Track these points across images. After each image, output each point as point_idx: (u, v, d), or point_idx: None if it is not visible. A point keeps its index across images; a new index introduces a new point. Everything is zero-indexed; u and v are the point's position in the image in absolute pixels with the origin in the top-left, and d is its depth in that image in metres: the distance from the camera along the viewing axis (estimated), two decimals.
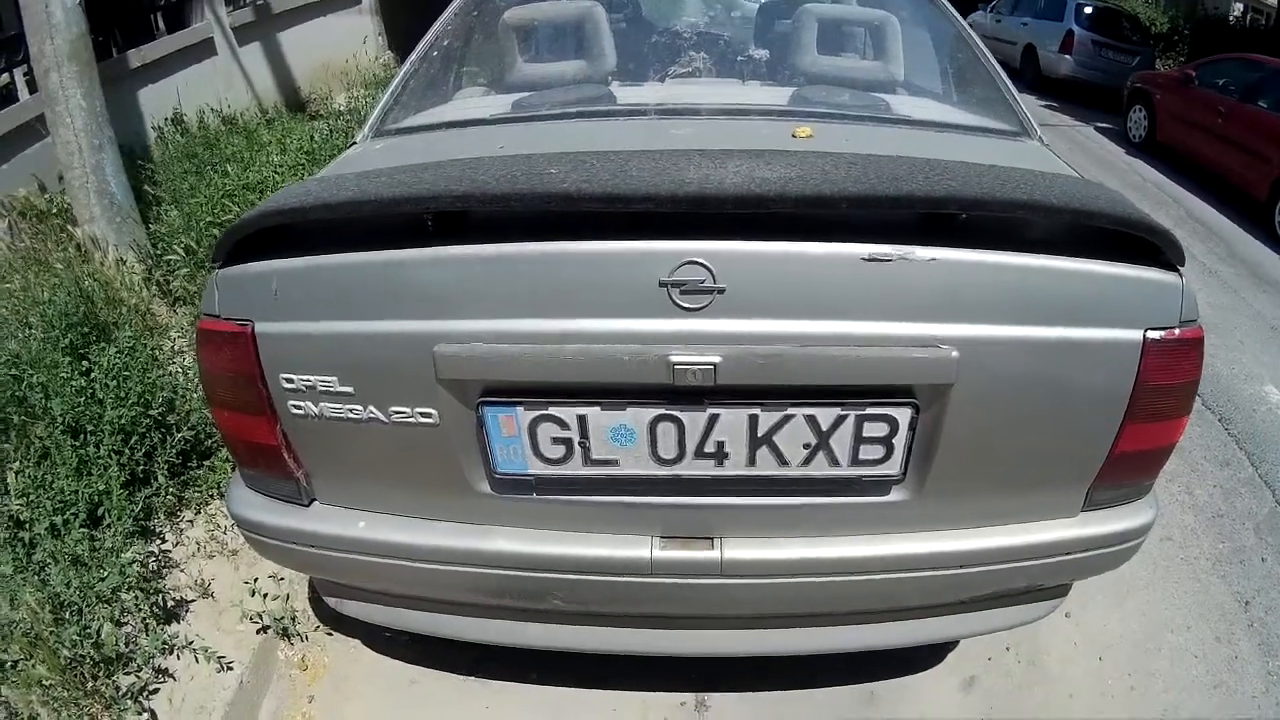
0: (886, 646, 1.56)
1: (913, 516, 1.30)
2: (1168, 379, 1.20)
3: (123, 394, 2.25)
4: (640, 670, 1.82)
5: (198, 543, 2.16)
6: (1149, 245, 1.16)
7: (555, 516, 1.32)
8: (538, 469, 1.26)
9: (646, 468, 1.25)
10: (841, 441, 1.21)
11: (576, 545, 1.31)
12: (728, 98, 1.87)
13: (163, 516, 2.20)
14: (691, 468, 1.25)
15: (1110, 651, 2.11)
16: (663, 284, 1.11)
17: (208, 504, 2.27)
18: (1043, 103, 9.81)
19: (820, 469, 1.24)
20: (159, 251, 3.38)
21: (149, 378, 2.35)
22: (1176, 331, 1.18)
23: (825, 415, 1.20)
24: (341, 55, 6.67)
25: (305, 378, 1.21)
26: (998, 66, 2.01)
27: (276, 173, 4.02)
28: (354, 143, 1.85)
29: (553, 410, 1.20)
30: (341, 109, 5.89)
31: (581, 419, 1.21)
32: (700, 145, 1.25)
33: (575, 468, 1.25)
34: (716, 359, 1.13)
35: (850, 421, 1.20)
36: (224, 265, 1.23)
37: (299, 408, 1.24)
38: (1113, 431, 1.24)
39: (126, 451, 2.15)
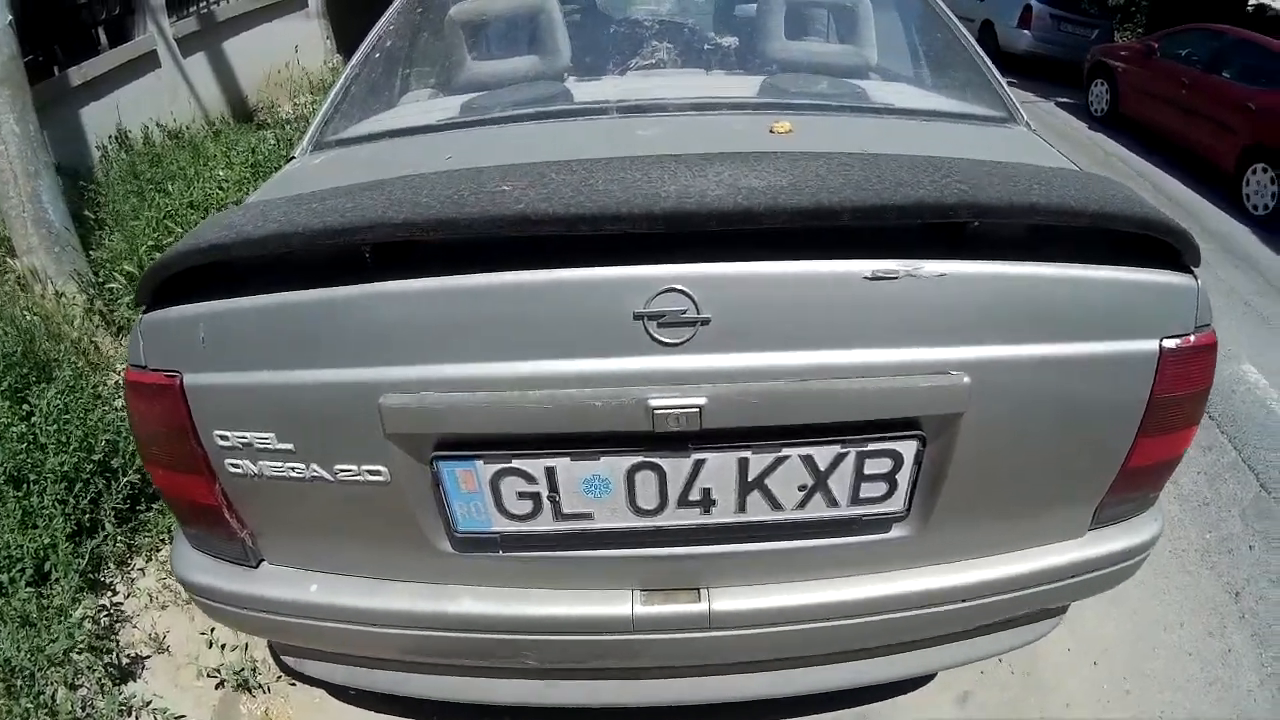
0: (888, 680, 1.49)
1: (915, 552, 1.22)
2: (1182, 388, 1.12)
3: (64, 438, 2.13)
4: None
5: (150, 594, 2.04)
6: (1161, 246, 1.07)
7: (524, 574, 1.22)
8: (503, 526, 1.15)
9: (624, 520, 1.14)
10: (841, 481, 1.11)
11: (549, 604, 1.21)
12: (694, 91, 1.75)
13: (113, 566, 2.09)
14: (674, 518, 1.14)
15: (1105, 655, 2.07)
16: (638, 316, 1.00)
17: (158, 550, 2.16)
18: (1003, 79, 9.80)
19: (817, 511, 1.14)
20: (101, 279, 3.23)
21: (91, 419, 2.22)
22: (1192, 338, 1.10)
23: (823, 454, 1.09)
24: (289, 61, 6.48)
25: (241, 434, 1.10)
26: (978, 47, 1.91)
27: (221, 188, 3.87)
28: (292, 157, 1.72)
29: (517, 463, 1.09)
30: (289, 117, 5.73)
31: (550, 471, 1.10)
32: (669, 147, 1.14)
33: (545, 523, 1.15)
34: (702, 401, 1.02)
35: (850, 459, 1.09)
36: (149, 309, 1.10)
37: (237, 466, 1.13)
38: (1125, 447, 1.16)
39: (71, 500, 2.03)
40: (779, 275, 1.01)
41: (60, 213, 3.18)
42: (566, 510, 1.13)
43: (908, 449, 1.09)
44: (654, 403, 1.02)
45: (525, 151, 1.28)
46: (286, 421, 1.09)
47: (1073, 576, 1.28)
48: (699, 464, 1.09)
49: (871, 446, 1.09)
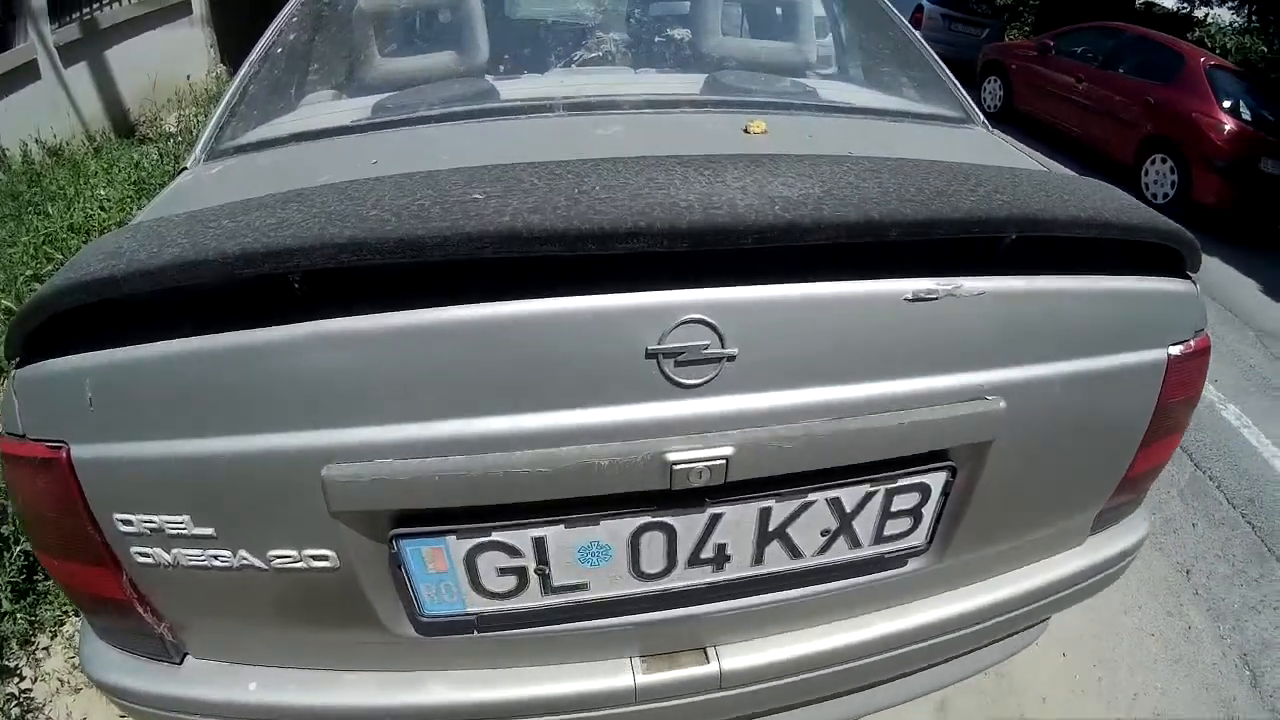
0: (891, 706, 1.42)
1: (929, 582, 1.14)
2: (1184, 394, 1.10)
3: None
4: None
5: (59, 678, 1.80)
6: (1160, 252, 1.04)
7: (505, 653, 1.05)
8: (480, 606, 0.97)
9: (625, 587, 0.99)
10: (866, 521, 1.01)
11: (537, 684, 1.04)
12: (635, 88, 1.57)
13: (16, 646, 1.83)
14: (682, 579, 0.99)
15: (1072, 647, 2.08)
16: (651, 354, 0.83)
17: (63, 624, 1.91)
18: None
19: (838, 554, 1.03)
20: None
21: None
22: (1192, 343, 1.07)
23: (851, 495, 0.97)
24: (172, 72, 6.07)
25: (147, 518, 0.89)
26: (927, 46, 1.85)
27: (103, 209, 3.57)
28: (184, 169, 1.49)
29: (498, 536, 0.91)
30: (173, 130, 5.40)
31: (539, 542, 0.93)
32: (639, 149, 0.99)
33: (531, 600, 0.98)
34: (728, 450, 0.87)
35: (879, 497, 0.99)
36: (23, 363, 0.87)
37: (146, 555, 0.93)
38: (1130, 455, 1.12)
39: None
40: (815, 299, 0.86)
41: None
42: (557, 583, 0.97)
43: (936, 480, 1.00)
44: (673, 457, 0.86)
45: (467, 155, 1.10)
46: (203, 502, 0.89)
47: (1076, 584, 1.24)
48: (715, 519, 0.94)
49: (901, 482, 0.98)
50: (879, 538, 1.03)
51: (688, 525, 0.95)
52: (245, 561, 0.92)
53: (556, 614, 1.01)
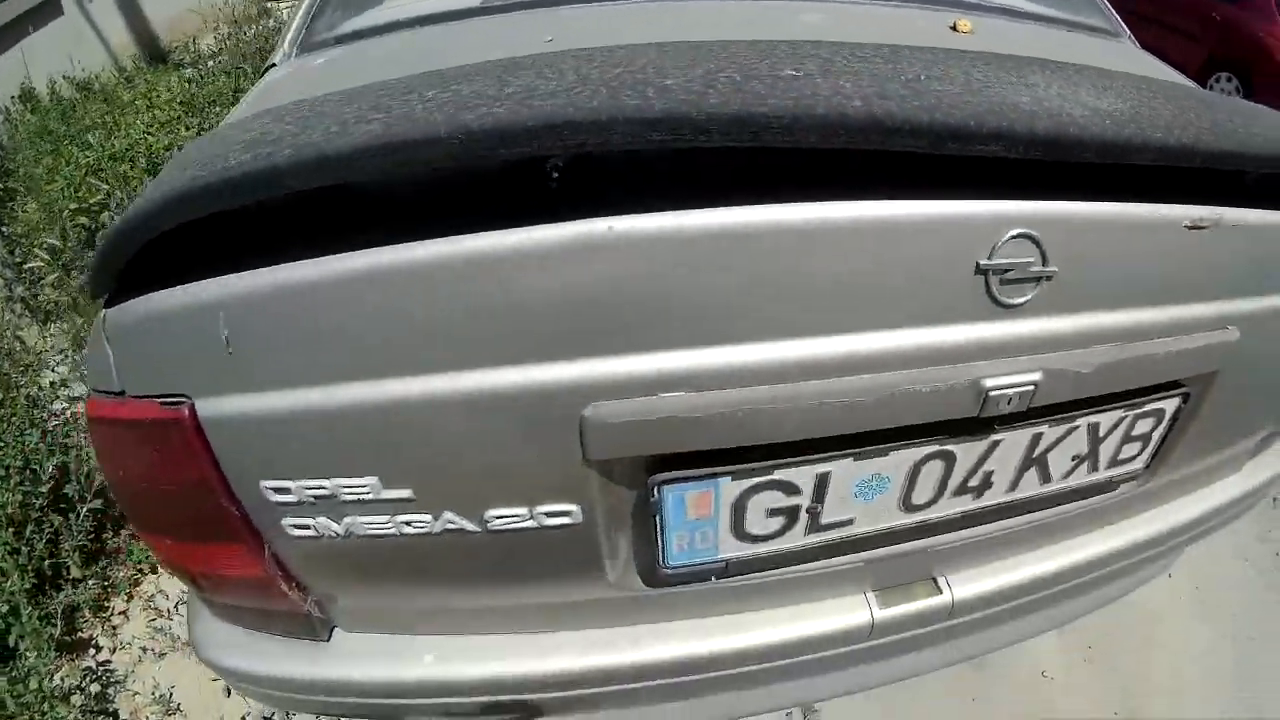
0: (1057, 627, 1.37)
1: (1129, 506, 1.12)
2: None
3: (2, 471, 1.74)
4: None
5: (142, 645, 1.71)
6: None
7: (737, 600, 0.96)
8: (734, 551, 0.87)
9: (888, 520, 0.92)
10: (1110, 445, 0.97)
11: (771, 628, 0.96)
12: None
13: (89, 614, 1.74)
14: (943, 509, 0.94)
15: (1176, 568, 1.97)
16: (982, 269, 0.74)
17: (138, 583, 1.82)
18: None
19: (1077, 479, 0.99)
20: (19, 259, 2.75)
21: (28, 441, 1.83)
22: None
23: (1108, 420, 0.93)
24: None
25: (313, 484, 0.73)
26: None
27: (149, 133, 3.32)
28: (271, 65, 1.29)
29: (781, 474, 0.82)
30: (212, 51, 5.15)
31: (822, 479, 0.83)
32: (846, 38, 0.83)
33: (792, 540, 0.89)
34: (1037, 376, 0.81)
35: (1125, 423, 0.95)
36: (116, 300, 0.69)
37: (305, 527, 0.77)
38: None
39: (24, 549, 1.66)
40: (1114, 219, 0.79)
41: None
42: (825, 521, 0.88)
43: (1170, 406, 0.96)
44: (990, 383, 0.79)
45: (650, 36, 0.89)
46: (401, 459, 0.72)
47: (1235, 510, 1.20)
48: (993, 446, 0.89)
49: (1147, 407, 0.94)
50: (1114, 461, 0.99)
51: (967, 453, 0.89)
52: (451, 526, 0.78)
53: (809, 554, 0.92)
